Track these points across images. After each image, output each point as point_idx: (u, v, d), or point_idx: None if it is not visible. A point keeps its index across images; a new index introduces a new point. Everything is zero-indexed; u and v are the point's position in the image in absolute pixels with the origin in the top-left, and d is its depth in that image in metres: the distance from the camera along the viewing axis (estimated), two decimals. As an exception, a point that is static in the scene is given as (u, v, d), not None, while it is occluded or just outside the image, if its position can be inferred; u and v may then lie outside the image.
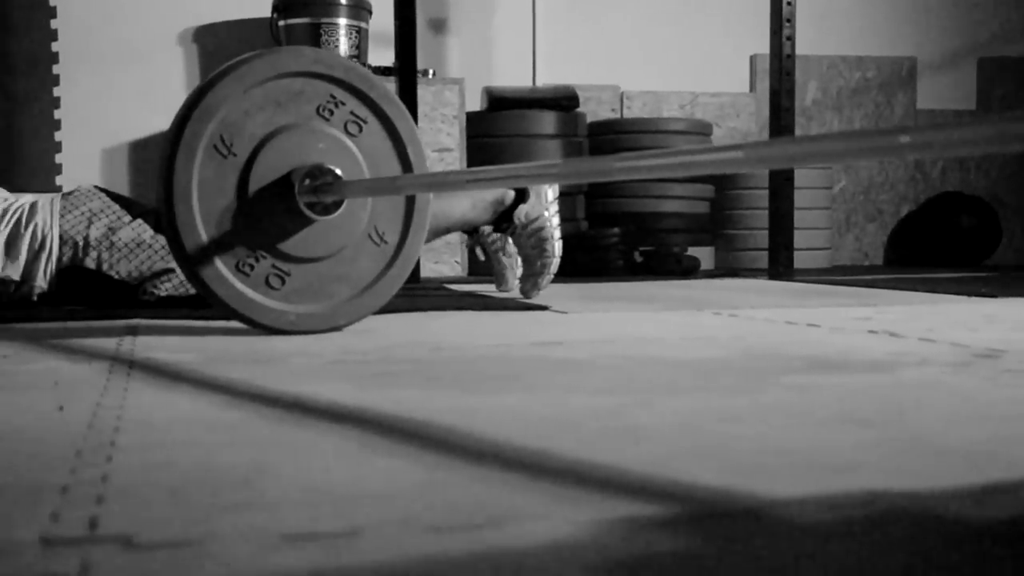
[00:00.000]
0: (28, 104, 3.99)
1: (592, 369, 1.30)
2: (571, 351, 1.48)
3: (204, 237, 1.74)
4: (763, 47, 4.79)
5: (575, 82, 4.45)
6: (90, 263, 2.19)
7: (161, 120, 4.22)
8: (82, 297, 2.24)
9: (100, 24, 4.14)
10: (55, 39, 4.02)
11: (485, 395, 1.09)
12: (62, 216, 2.20)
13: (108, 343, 1.62)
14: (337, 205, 1.80)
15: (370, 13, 4.12)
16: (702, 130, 4.32)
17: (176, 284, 2.22)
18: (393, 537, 0.56)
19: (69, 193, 2.29)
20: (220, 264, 1.76)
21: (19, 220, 2.17)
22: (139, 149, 4.22)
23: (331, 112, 1.84)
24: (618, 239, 3.89)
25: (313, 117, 1.83)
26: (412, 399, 1.06)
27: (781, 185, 3.53)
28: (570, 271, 3.42)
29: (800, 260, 4.02)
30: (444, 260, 3.89)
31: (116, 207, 2.26)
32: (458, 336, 1.73)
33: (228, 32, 4.26)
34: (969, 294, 2.64)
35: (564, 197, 3.79)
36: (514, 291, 2.77)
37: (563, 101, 4.06)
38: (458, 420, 0.93)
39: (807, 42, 4.50)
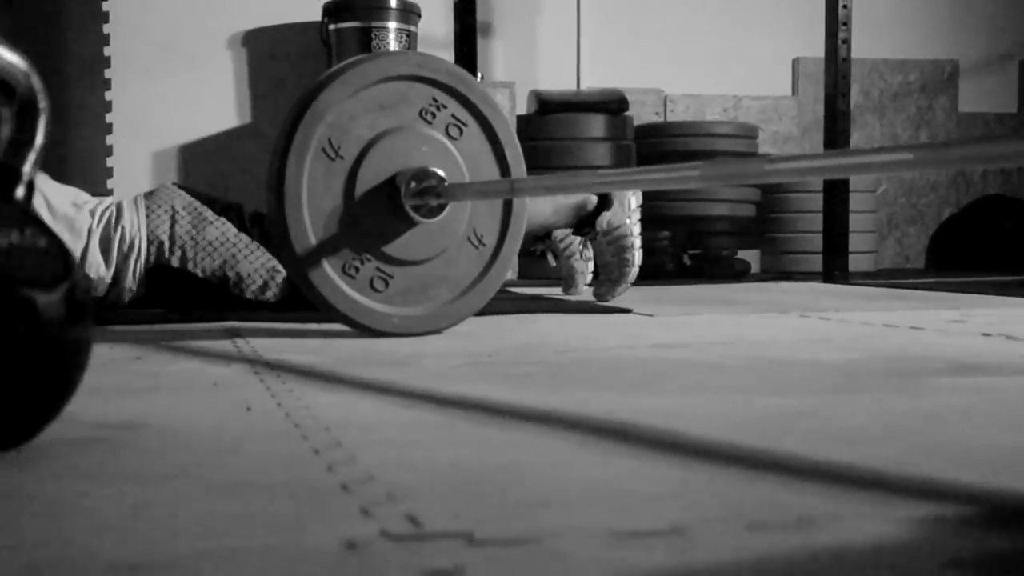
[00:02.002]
0: (80, 108, 4.01)
1: (733, 371, 1.30)
2: (696, 353, 1.49)
3: (312, 240, 1.75)
4: (805, 50, 4.81)
5: (619, 85, 4.45)
6: (175, 261, 2.18)
7: (210, 123, 4.25)
8: (167, 299, 2.24)
9: (151, 29, 4.16)
10: (107, 43, 4.03)
11: (655, 396, 1.09)
12: (147, 216, 2.20)
13: (224, 345, 1.63)
14: (441, 208, 1.81)
15: (419, 16, 4.13)
16: (748, 133, 4.32)
17: (259, 288, 2.22)
18: (720, 535, 0.56)
19: (151, 192, 2.29)
20: (327, 267, 1.76)
21: (109, 222, 2.18)
22: (188, 152, 4.23)
23: (433, 115, 1.85)
24: (668, 242, 3.89)
25: (416, 120, 1.83)
26: (587, 400, 1.06)
27: (836, 188, 3.53)
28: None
29: (846, 263, 4.02)
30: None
31: (198, 204, 2.25)
32: (566, 338, 1.74)
33: (277, 36, 4.27)
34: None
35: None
36: (583, 295, 2.78)
37: (612, 104, 4.06)
38: (654, 420, 0.93)
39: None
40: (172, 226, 2.20)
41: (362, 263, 1.79)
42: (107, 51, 4.05)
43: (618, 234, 2.51)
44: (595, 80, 4.58)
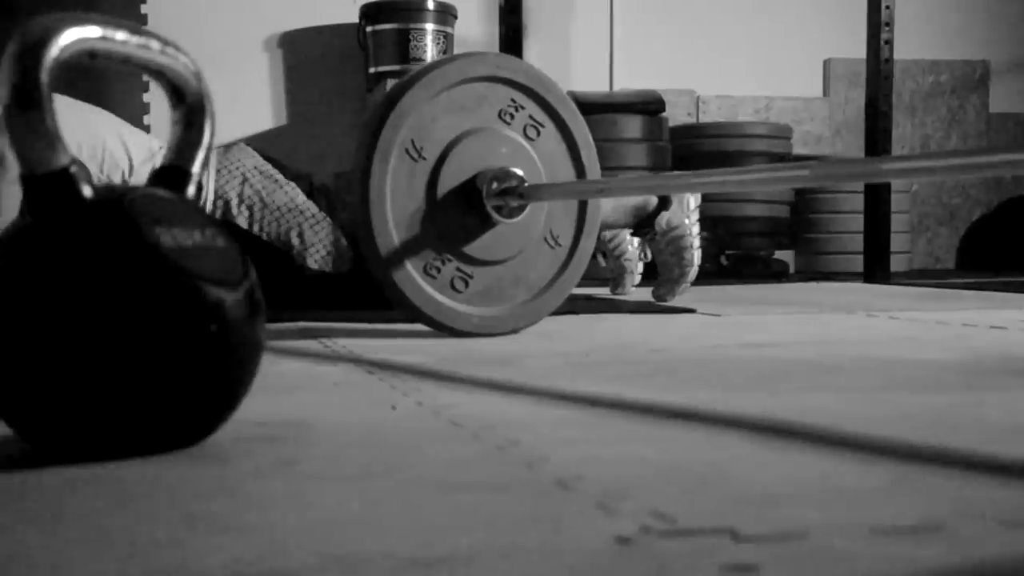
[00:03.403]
0: (118, 110, 4.01)
1: (850, 371, 1.31)
2: (788, 352, 1.49)
3: (396, 240, 1.76)
4: (837, 51, 4.82)
5: (651, 86, 4.46)
6: (242, 221, 2.14)
7: (247, 125, 4.25)
8: None
9: (188, 31, 4.16)
10: (145, 45, 4.04)
11: (785, 395, 1.10)
12: (218, 172, 2.18)
13: (311, 345, 1.64)
14: (521, 208, 1.82)
15: (455, 18, 4.14)
16: (782, 134, 4.33)
17: (323, 257, 2.17)
18: (979, 532, 0.57)
19: (226, 149, 2.24)
20: (410, 267, 1.77)
21: None
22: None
23: (511, 116, 1.86)
24: (706, 243, 3.90)
25: (495, 121, 1.84)
26: (725, 399, 1.07)
27: (878, 188, 3.53)
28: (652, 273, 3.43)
29: (880, 263, 4.03)
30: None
31: (270, 167, 2.22)
32: (650, 338, 1.75)
33: (314, 38, 4.28)
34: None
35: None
36: (631, 294, 2.78)
37: (650, 105, 4.07)
38: (810, 419, 0.94)
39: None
40: (243, 185, 2.16)
41: (443, 263, 1.80)
42: (145, 53, 4.05)
43: (677, 234, 2.52)
44: (628, 82, 4.58)
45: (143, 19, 4.03)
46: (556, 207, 1.91)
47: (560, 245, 1.92)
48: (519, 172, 1.81)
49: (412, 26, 4.02)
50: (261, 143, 4.24)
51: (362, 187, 1.75)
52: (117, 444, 0.78)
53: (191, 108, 0.89)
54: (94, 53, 0.79)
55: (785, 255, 4.33)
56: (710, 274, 3.86)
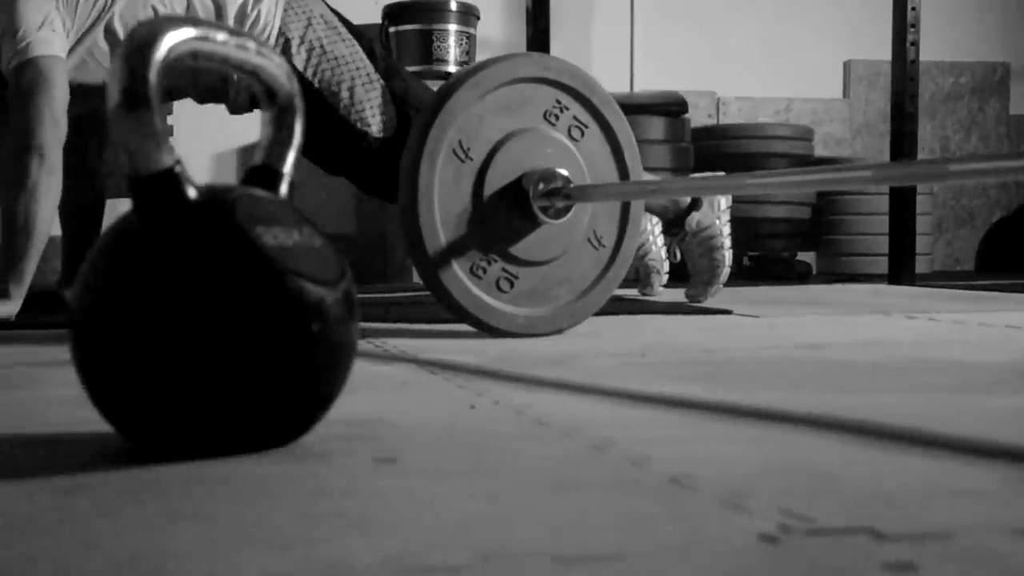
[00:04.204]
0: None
1: (905, 372, 1.31)
2: (845, 353, 1.50)
3: (443, 241, 1.77)
4: (857, 53, 4.82)
5: (671, 88, 4.46)
6: (298, 62, 2.13)
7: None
8: None
9: (211, 31, 4.17)
10: (169, 45, 4.05)
11: (862, 395, 1.10)
12: (284, 10, 2.17)
13: (360, 344, 1.64)
14: (567, 209, 1.82)
15: (478, 19, 4.14)
16: (804, 135, 4.33)
17: (368, 116, 2.15)
18: None
19: None
20: (457, 267, 1.78)
21: (244, 3, 2.14)
22: (248, 154, 4.25)
23: (556, 117, 1.86)
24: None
25: (541, 122, 1.85)
26: (799, 401, 1.06)
27: (903, 189, 3.53)
28: (682, 274, 3.43)
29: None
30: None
31: (336, 20, 2.21)
32: (698, 339, 1.75)
33: (337, 38, 4.28)
34: None
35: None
36: (660, 295, 2.79)
37: (672, 107, 4.08)
38: (893, 420, 0.94)
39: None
40: (307, 28, 2.16)
41: (489, 264, 1.81)
42: (169, 54, 4.07)
43: (707, 234, 2.52)
44: (648, 82, 4.59)
45: (167, 19, 4.04)
46: (599, 208, 1.92)
47: (604, 246, 1.92)
48: (564, 173, 1.81)
49: (435, 27, 4.03)
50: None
51: (410, 188, 1.75)
52: (219, 442, 0.79)
53: (283, 108, 0.89)
54: (196, 54, 0.80)
55: (806, 256, 4.33)
56: (733, 275, 3.84)
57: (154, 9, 2.11)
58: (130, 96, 0.75)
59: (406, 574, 0.50)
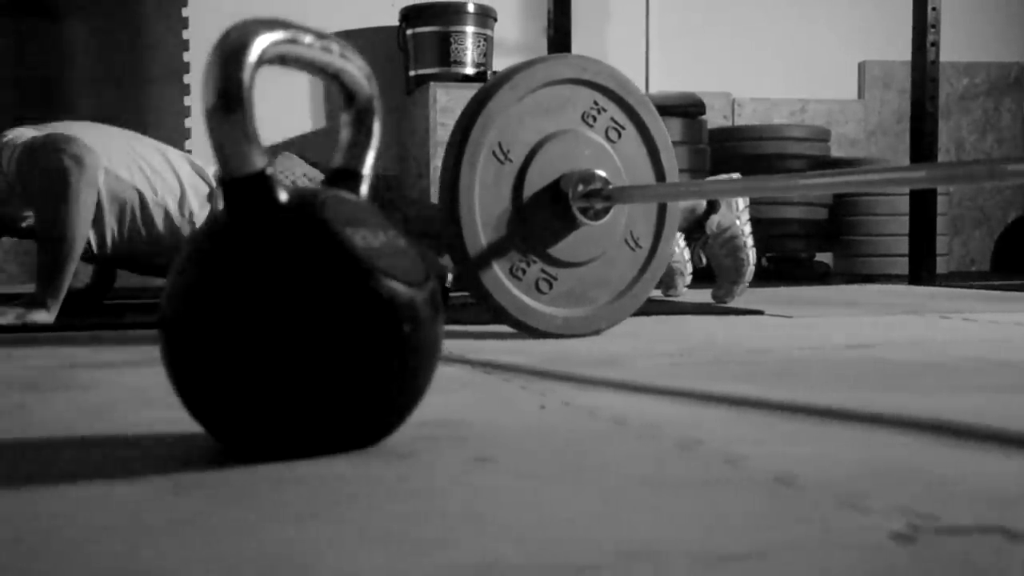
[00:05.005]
0: (160, 114, 4.03)
1: (959, 371, 1.31)
2: (892, 353, 1.50)
3: (483, 242, 1.77)
4: (872, 54, 4.82)
5: (687, 89, 4.46)
6: None
7: (286, 127, 4.27)
8: None
9: (229, 33, 4.18)
10: (187, 49, 4.06)
11: (938, 396, 1.11)
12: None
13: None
14: (606, 210, 1.83)
15: (495, 20, 4.15)
16: (820, 136, 4.33)
17: None
18: None
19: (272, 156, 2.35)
20: (496, 268, 1.78)
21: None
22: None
23: (594, 118, 1.87)
24: (748, 245, 3.90)
25: (579, 123, 1.85)
26: (871, 400, 1.07)
27: (924, 190, 3.53)
28: (705, 275, 3.43)
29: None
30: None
31: (318, 173, 2.34)
32: (740, 339, 1.75)
33: (354, 40, 4.26)
34: None
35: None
36: (684, 295, 2.79)
37: (690, 108, 4.08)
38: (970, 419, 0.94)
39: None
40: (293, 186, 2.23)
41: (528, 264, 1.81)
42: (186, 57, 4.07)
43: (729, 235, 2.53)
44: (663, 84, 4.59)
45: (184, 22, 4.04)
46: (636, 209, 1.92)
47: (640, 247, 1.92)
48: (603, 174, 1.82)
49: (452, 29, 4.03)
50: (302, 145, 4.26)
51: (451, 189, 1.76)
52: (309, 443, 0.79)
53: (362, 110, 0.89)
54: (285, 57, 0.80)
55: (823, 257, 4.33)
56: (754, 276, 3.85)
57: (140, 169, 2.25)
58: (225, 98, 0.76)
59: (555, 573, 0.50)
